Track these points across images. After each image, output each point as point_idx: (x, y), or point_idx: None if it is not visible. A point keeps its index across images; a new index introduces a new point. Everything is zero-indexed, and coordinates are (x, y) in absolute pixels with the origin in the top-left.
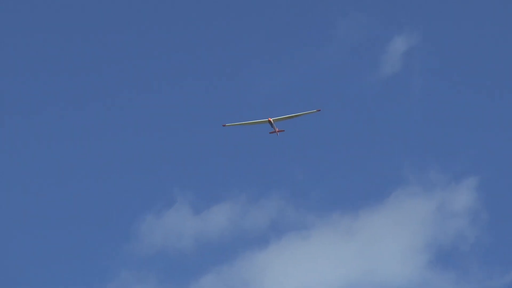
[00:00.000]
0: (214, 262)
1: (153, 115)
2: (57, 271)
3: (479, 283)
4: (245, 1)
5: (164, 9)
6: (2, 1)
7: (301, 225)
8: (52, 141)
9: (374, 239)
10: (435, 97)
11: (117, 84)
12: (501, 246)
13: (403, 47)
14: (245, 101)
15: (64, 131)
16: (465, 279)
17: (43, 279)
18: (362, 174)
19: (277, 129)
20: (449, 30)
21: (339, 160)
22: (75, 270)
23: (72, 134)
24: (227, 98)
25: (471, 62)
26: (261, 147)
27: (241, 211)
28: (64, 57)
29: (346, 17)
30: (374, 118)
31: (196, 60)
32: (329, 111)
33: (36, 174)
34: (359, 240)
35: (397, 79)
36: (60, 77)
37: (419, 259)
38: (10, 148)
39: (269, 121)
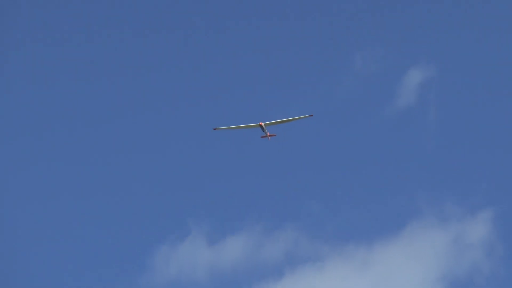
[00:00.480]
0: None
1: (168, 141)
2: None
3: None
4: (260, 34)
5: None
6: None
7: (315, 257)
8: (64, 172)
9: (389, 271)
10: (450, 129)
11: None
12: None
13: (419, 79)
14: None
15: (76, 159)
16: None
17: None
18: (377, 206)
19: (268, 134)
20: (464, 63)
21: (354, 191)
22: None
23: (85, 162)
24: (243, 132)
25: (486, 94)
26: (276, 178)
27: (256, 243)
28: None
29: (362, 49)
30: (389, 149)
31: (215, 92)
32: (345, 142)
33: (50, 206)
34: (373, 272)
35: (413, 111)
36: (70, 101)
37: None
38: (22, 175)
39: (261, 125)
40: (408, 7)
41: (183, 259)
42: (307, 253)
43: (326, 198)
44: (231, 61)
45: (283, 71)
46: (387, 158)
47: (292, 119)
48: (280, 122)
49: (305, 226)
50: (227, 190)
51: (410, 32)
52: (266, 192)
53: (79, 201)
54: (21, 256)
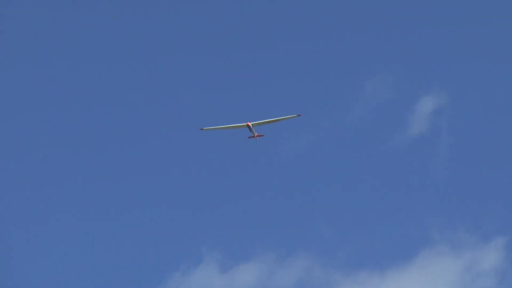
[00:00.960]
0: None
1: (182, 170)
2: None
3: None
4: (268, 62)
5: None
6: None
7: (328, 284)
8: (76, 196)
9: None
10: (462, 156)
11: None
12: None
13: (431, 106)
14: (273, 161)
15: (86, 184)
16: None
17: None
18: (389, 233)
19: (256, 134)
20: (477, 90)
21: (366, 218)
22: None
23: (96, 186)
24: (256, 161)
25: (499, 122)
26: (288, 205)
27: (268, 270)
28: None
29: (373, 77)
30: (401, 177)
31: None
32: (357, 170)
33: (60, 230)
34: None
35: (425, 138)
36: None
37: None
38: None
39: (248, 126)
40: (419, 34)
41: (196, 286)
42: (319, 281)
43: (338, 225)
44: (240, 91)
45: (291, 100)
46: (399, 186)
47: (280, 119)
48: (267, 122)
49: (317, 254)
50: (238, 216)
51: (422, 60)
52: (278, 219)
53: (90, 226)
54: None
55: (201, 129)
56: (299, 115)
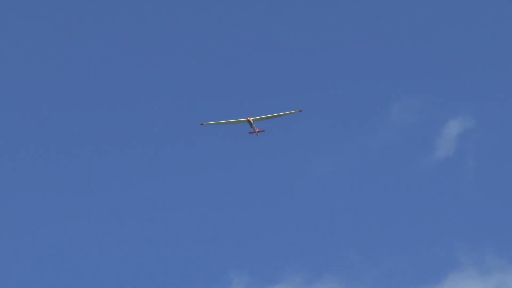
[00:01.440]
0: None
1: (210, 193)
2: None
3: None
4: (293, 92)
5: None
6: None
7: None
8: (102, 220)
9: None
10: (489, 180)
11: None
12: None
13: (457, 130)
14: (296, 186)
15: (113, 211)
16: None
17: None
18: (417, 257)
19: (257, 130)
20: (503, 113)
21: (393, 242)
22: None
23: (123, 212)
24: (281, 183)
25: None
26: (316, 229)
27: None
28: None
29: (399, 100)
30: (428, 200)
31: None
32: (383, 193)
33: (86, 258)
34: None
35: (451, 161)
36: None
37: None
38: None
39: (249, 121)
40: (446, 57)
41: None
42: None
43: (366, 248)
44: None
45: (319, 124)
46: (426, 209)
47: (281, 114)
48: (268, 117)
49: (345, 277)
50: (266, 239)
51: (449, 83)
52: (305, 242)
53: (119, 253)
54: None
55: (201, 124)
56: (300, 110)
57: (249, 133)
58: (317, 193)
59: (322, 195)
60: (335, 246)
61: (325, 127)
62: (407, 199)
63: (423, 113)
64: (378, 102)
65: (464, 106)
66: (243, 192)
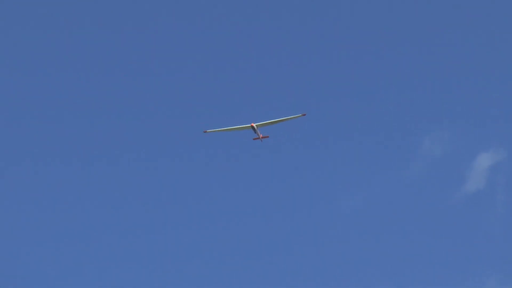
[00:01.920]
0: None
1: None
2: None
3: None
4: (326, 128)
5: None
6: None
7: None
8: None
9: None
10: None
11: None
12: None
13: (488, 162)
14: (329, 218)
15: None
16: None
17: None
18: None
19: (261, 135)
20: None
21: (424, 274)
22: None
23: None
24: (317, 219)
25: None
26: (346, 263)
27: None
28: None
29: (430, 134)
30: (459, 233)
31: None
32: (414, 226)
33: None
34: None
35: (482, 195)
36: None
37: None
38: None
39: (252, 127)
40: (477, 90)
41: None
42: None
43: (396, 281)
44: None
45: (352, 159)
46: (457, 243)
47: (284, 119)
48: (272, 122)
49: None
50: (295, 271)
51: (479, 116)
52: (337, 274)
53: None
54: None
55: (204, 132)
56: (304, 114)
57: (253, 139)
58: (347, 226)
59: (352, 228)
60: (366, 279)
61: (356, 160)
62: (438, 233)
63: (454, 145)
64: (409, 134)
65: (495, 139)
66: (271, 235)
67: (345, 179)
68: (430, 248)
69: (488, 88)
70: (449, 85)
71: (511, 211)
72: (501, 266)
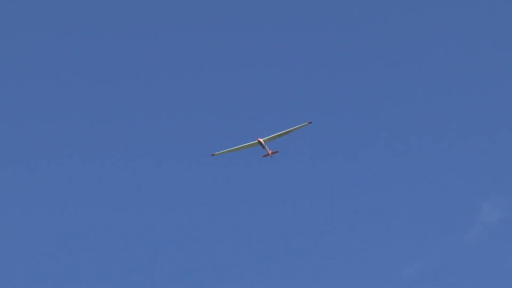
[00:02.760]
0: None
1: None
2: None
3: None
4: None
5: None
6: None
7: None
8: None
9: None
10: None
11: None
12: None
13: None
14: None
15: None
16: None
17: None
18: None
19: (270, 151)
20: None
21: None
22: None
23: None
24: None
25: None
26: None
27: None
28: None
29: (488, 199)
30: None
31: None
32: None
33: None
34: None
35: None
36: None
37: None
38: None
39: (259, 142)
40: None
41: None
42: None
43: None
44: None
45: (408, 221)
46: None
47: (291, 130)
48: (279, 135)
49: None
50: None
51: None
52: None
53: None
54: None
55: (212, 155)
56: (310, 122)
57: (263, 156)
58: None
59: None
60: None
61: (414, 224)
62: None
63: None
64: (466, 202)
65: None
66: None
67: (404, 245)
68: None
69: None
70: (505, 148)
71: None
72: None
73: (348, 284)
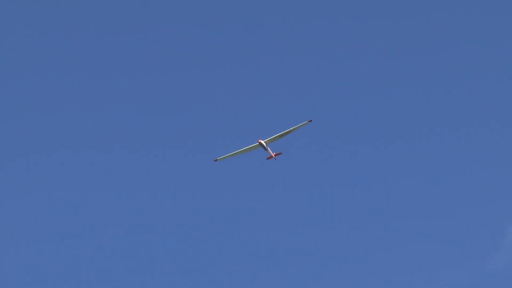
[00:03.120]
0: None
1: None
2: None
3: None
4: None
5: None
6: None
7: None
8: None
9: None
10: None
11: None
12: None
13: None
14: None
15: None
16: None
17: None
18: None
19: (273, 153)
20: None
21: None
22: None
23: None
24: None
25: None
26: None
27: None
28: None
29: None
30: None
31: None
32: None
33: None
34: None
35: None
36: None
37: None
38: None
39: (261, 144)
40: None
41: None
42: None
43: None
44: None
45: (433, 246)
46: None
47: (291, 130)
48: (280, 135)
49: None
50: None
51: None
52: None
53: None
54: None
55: (215, 160)
56: (310, 121)
57: (267, 159)
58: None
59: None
60: None
61: (439, 249)
62: None
63: None
64: (491, 225)
65: None
66: None
67: (429, 269)
68: None
69: None
70: None
71: None
72: None
73: None
